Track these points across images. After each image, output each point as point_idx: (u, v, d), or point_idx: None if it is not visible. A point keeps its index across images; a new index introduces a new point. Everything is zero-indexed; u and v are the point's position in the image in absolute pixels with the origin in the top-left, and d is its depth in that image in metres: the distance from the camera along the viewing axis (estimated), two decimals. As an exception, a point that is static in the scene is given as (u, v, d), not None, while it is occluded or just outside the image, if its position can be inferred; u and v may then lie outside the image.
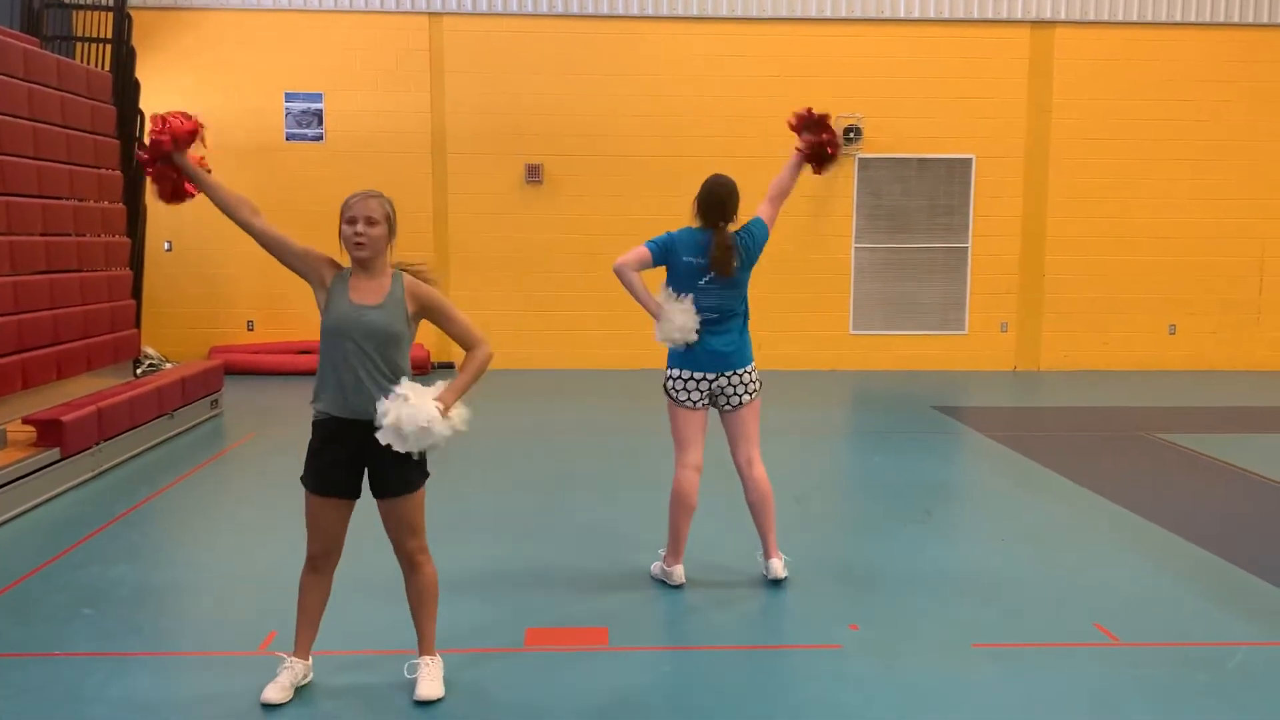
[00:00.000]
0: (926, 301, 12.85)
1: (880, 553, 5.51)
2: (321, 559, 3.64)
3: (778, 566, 4.94)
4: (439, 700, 3.61)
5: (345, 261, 3.62)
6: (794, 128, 5.20)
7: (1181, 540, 5.75)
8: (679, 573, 4.91)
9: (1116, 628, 4.44)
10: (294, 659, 3.69)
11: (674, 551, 4.92)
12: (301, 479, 3.60)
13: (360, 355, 3.47)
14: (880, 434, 9.07)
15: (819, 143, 5.13)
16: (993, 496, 6.98)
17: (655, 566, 5.07)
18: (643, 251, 4.87)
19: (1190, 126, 12.64)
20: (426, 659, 3.71)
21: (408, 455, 3.49)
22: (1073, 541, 5.79)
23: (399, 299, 3.54)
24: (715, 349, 4.78)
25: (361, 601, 4.46)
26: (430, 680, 3.65)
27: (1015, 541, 5.73)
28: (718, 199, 4.78)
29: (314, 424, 3.59)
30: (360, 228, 3.49)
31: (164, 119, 3.65)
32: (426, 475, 3.65)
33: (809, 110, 5.15)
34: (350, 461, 3.55)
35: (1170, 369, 12.84)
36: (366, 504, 3.66)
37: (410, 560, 3.66)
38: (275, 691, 3.60)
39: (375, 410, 3.45)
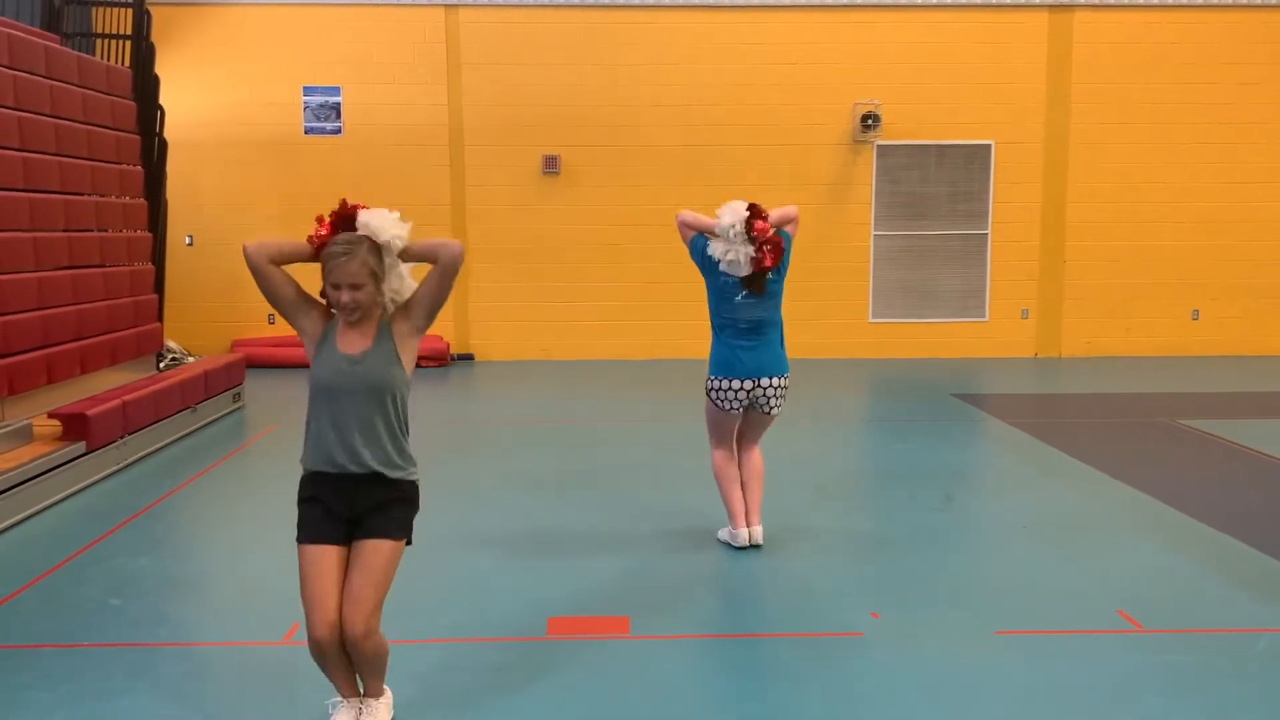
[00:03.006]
0: (946, 288, 12.79)
1: (900, 540, 5.51)
2: (326, 638, 3.22)
3: (758, 533, 5.31)
4: None
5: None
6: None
7: (1205, 526, 5.72)
8: (742, 535, 5.28)
9: (1140, 614, 4.42)
10: (343, 700, 3.40)
11: (734, 516, 5.30)
12: (297, 538, 3.33)
13: (350, 410, 3.25)
14: (900, 421, 9.05)
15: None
16: (1014, 483, 6.95)
17: (723, 531, 5.41)
18: (692, 234, 5.22)
19: (1212, 109, 12.51)
20: (369, 701, 3.39)
21: (395, 506, 3.30)
22: (1095, 528, 5.76)
23: (387, 339, 3.32)
24: (754, 359, 5.15)
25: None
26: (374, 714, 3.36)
27: (1037, 528, 5.71)
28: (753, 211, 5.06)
29: (302, 480, 3.36)
30: (345, 297, 3.23)
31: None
32: (407, 535, 3.36)
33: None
34: (339, 512, 3.29)
35: (1193, 355, 12.74)
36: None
37: (356, 634, 3.20)
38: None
39: (362, 467, 3.25)
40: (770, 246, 5.02)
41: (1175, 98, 12.48)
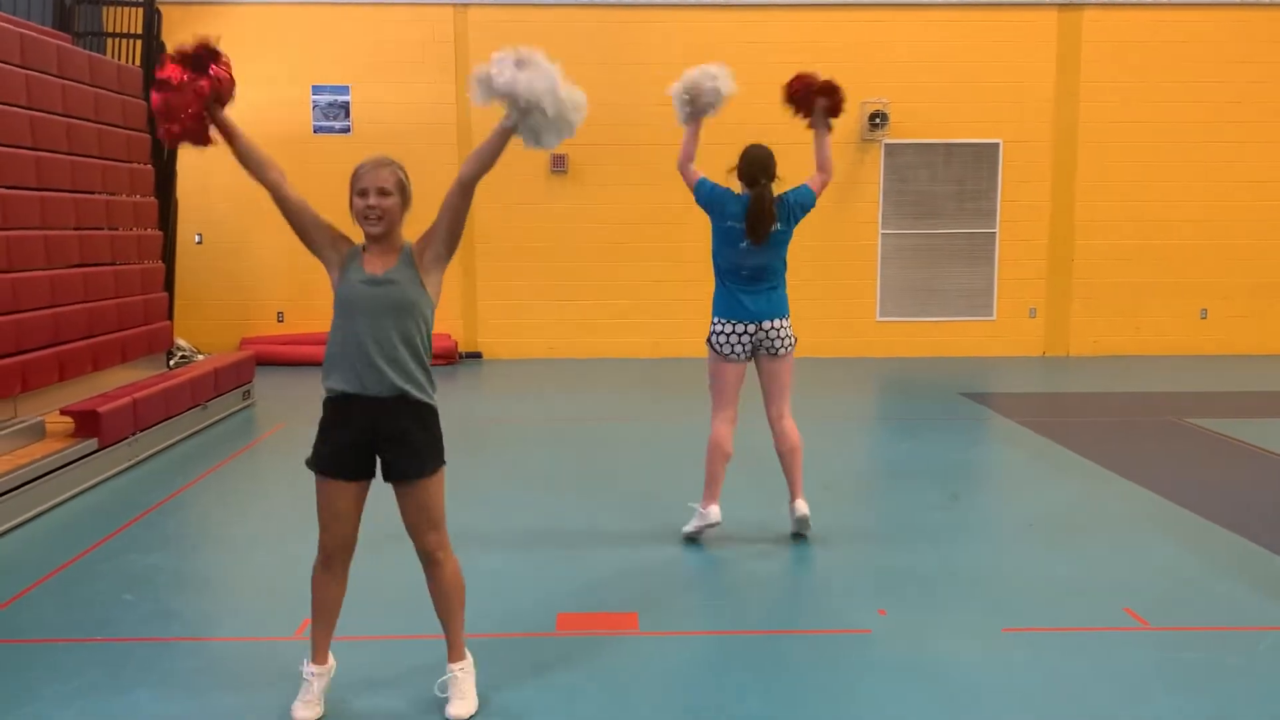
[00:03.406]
0: (954, 287, 12.79)
1: (908, 538, 5.52)
2: (335, 552, 3.42)
3: (802, 506, 5.26)
4: (472, 717, 3.46)
5: (359, 238, 3.44)
6: (800, 96, 5.45)
7: (1212, 525, 5.72)
8: (714, 512, 5.24)
9: (1147, 612, 4.43)
10: (314, 666, 3.49)
11: (710, 495, 5.24)
12: (307, 462, 3.41)
13: (373, 330, 3.28)
14: (908, 420, 9.05)
15: (831, 105, 5.47)
16: (1021, 481, 6.96)
17: (690, 523, 5.33)
18: (697, 174, 5.33)
19: (1222, 108, 12.48)
20: (457, 667, 3.52)
21: (419, 436, 3.34)
22: (1102, 526, 5.77)
23: (409, 264, 3.36)
24: (755, 304, 5.13)
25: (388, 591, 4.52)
26: (461, 697, 3.47)
27: (1044, 526, 5.72)
28: (757, 159, 5.20)
29: (325, 402, 3.40)
30: (373, 200, 3.29)
31: (211, 58, 3.36)
32: (443, 461, 3.44)
33: (810, 81, 5.45)
34: (361, 442, 3.35)
35: (1202, 354, 12.72)
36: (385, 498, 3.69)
37: (430, 556, 3.44)
38: (306, 710, 3.42)
39: (387, 387, 3.29)
40: (808, 96, 5.35)
41: (1184, 96, 12.46)
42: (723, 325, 5.16)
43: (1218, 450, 7.72)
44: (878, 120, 12.21)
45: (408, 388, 3.32)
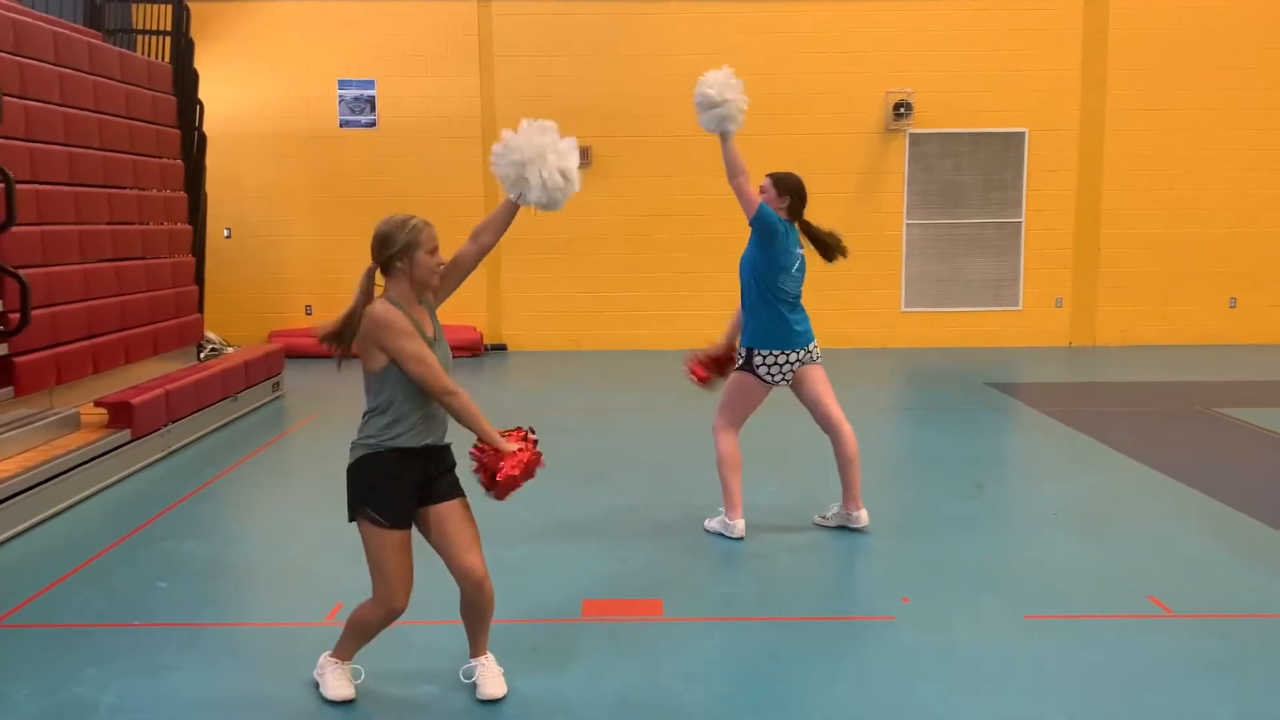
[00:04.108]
0: (979, 277, 12.74)
1: (932, 527, 5.54)
2: (405, 608, 3.47)
3: (864, 516, 5.35)
4: (504, 697, 3.56)
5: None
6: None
7: (1239, 514, 5.70)
8: (740, 526, 5.29)
9: (1170, 600, 4.44)
10: (337, 659, 3.61)
11: (731, 506, 5.30)
12: (371, 518, 3.36)
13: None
14: (933, 410, 9.05)
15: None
16: (1046, 470, 6.95)
17: (714, 522, 5.39)
18: (756, 196, 5.16)
19: (1251, 94, 12.34)
20: (481, 659, 3.62)
21: (453, 464, 3.52)
22: (1127, 515, 5.77)
23: (435, 318, 3.53)
24: (801, 326, 5.23)
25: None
26: (493, 678, 3.57)
27: (1068, 515, 5.72)
28: (801, 189, 5.24)
29: (388, 457, 3.38)
30: (438, 259, 3.41)
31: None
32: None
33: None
34: (418, 485, 3.44)
35: (1232, 343, 12.61)
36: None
37: (475, 575, 3.46)
38: (345, 687, 3.54)
39: (443, 435, 3.47)
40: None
41: (1212, 83, 12.33)
42: (775, 356, 5.18)
43: (1245, 439, 7.68)
44: (902, 110, 12.17)
45: (448, 437, 3.52)
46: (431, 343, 3.40)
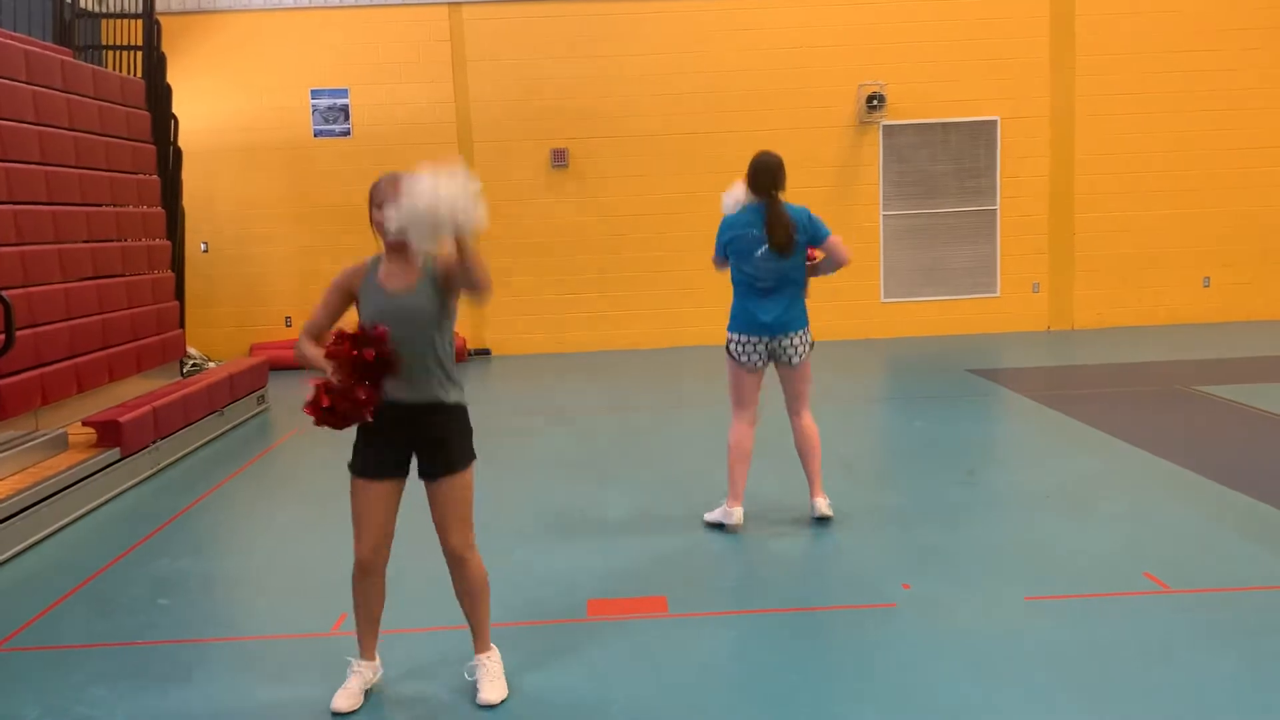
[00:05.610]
0: (957, 265, 12.84)
1: (927, 513, 5.59)
2: (371, 559, 3.54)
3: (822, 505, 5.38)
4: (504, 701, 3.56)
5: (377, 247, 3.54)
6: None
7: (1226, 489, 5.79)
8: (738, 514, 5.31)
9: (1167, 576, 4.51)
10: (361, 662, 3.66)
11: (733, 495, 5.32)
12: (350, 465, 3.55)
13: (403, 342, 3.40)
14: (918, 399, 9.12)
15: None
16: (1034, 454, 7.02)
17: (714, 513, 5.43)
18: (718, 261, 5.32)
19: (1217, 76, 12.51)
20: (484, 657, 3.65)
21: (453, 435, 3.49)
22: (1117, 494, 5.84)
23: (430, 278, 3.46)
24: (767, 316, 5.15)
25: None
26: (491, 681, 3.59)
27: (1060, 497, 5.79)
28: (767, 168, 5.12)
29: (383, 409, 3.46)
30: (379, 215, 3.43)
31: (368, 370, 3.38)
32: (473, 457, 3.57)
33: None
34: (400, 444, 3.51)
35: (1206, 321, 12.77)
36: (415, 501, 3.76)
37: (456, 553, 3.55)
38: (345, 699, 3.54)
39: (425, 395, 3.46)
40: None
41: (1178, 66, 12.49)
42: (738, 338, 5.22)
43: (1226, 416, 7.79)
44: (875, 102, 12.25)
45: (442, 397, 3.50)
46: (381, 292, 3.43)
